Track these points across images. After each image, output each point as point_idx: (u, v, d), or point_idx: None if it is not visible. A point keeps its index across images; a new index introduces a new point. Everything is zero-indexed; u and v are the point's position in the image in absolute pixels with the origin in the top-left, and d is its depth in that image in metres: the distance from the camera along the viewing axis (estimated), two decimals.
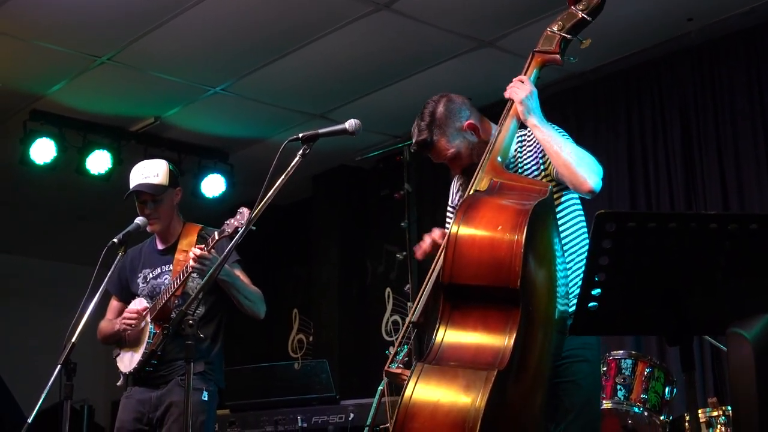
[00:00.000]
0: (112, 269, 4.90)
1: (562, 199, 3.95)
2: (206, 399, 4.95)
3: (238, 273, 5.01)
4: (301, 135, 3.85)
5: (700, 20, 7.10)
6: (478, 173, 3.80)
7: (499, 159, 3.82)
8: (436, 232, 4.03)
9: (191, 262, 4.71)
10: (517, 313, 3.30)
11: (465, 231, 3.45)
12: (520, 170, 3.98)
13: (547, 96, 7.13)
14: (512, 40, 7.13)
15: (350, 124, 3.89)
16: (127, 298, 5.22)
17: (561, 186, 3.93)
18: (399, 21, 7.05)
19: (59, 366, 4.27)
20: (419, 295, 3.82)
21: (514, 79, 3.99)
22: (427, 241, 4.04)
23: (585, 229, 3.98)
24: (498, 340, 3.30)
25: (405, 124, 8.92)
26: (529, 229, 3.36)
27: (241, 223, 4.49)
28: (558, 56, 4.02)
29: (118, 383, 5.17)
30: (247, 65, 7.75)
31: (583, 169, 3.80)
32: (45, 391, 4.24)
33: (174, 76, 7.90)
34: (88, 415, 9.62)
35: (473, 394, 3.15)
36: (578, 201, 4.02)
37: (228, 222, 4.59)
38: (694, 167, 7.28)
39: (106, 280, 4.78)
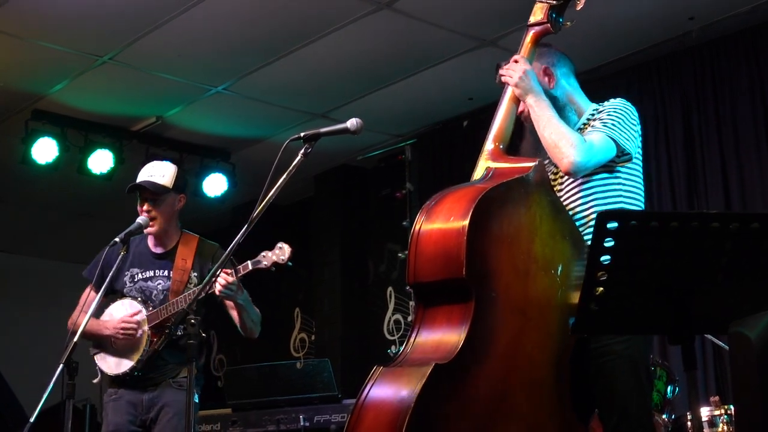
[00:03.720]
0: (96, 259, 4.89)
1: (594, 175, 3.82)
2: (197, 401, 4.98)
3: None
4: (302, 134, 3.84)
5: (701, 19, 7.10)
6: (478, 162, 3.78)
7: (501, 146, 3.77)
8: None
9: (217, 286, 4.70)
10: (471, 303, 3.29)
11: (425, 228, 3.44)
12: None
13: None
14: (514, 39, 7.09)
15: (352, 123, 3.88)
16: (106, 291, 5.15)
17: (615, 161, 3.83)
18: (400, 20, 7.05)
19: (61, 365, 4.27)
20: None
21: (510, 61, 3.92)
22: None
23: (624, 206, 3.81)
24: (455, 335, 3.28)
25: (406, 124, 9.04)
26: (482, 214, 3.32)
27: (282, 259, 4.56)
28: (548, 25, 3.96)
29: (95, 381, 5.16)
30: (249, 65, 7.75)
31: (559, 149, 3.68)
32: (47, 391, 4.24)
33: (175, 75, 7.90)
34: (90, 414, 9.60)
35: (409, 389, 3.15)
36: (619, 175, 3.87)
37: (265, 254, 4.66)
38: (696, 166, 7.27)
39: (88, 268, 4.76)
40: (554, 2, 3.96)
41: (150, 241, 5.24)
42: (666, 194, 7.37)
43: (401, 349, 3.43)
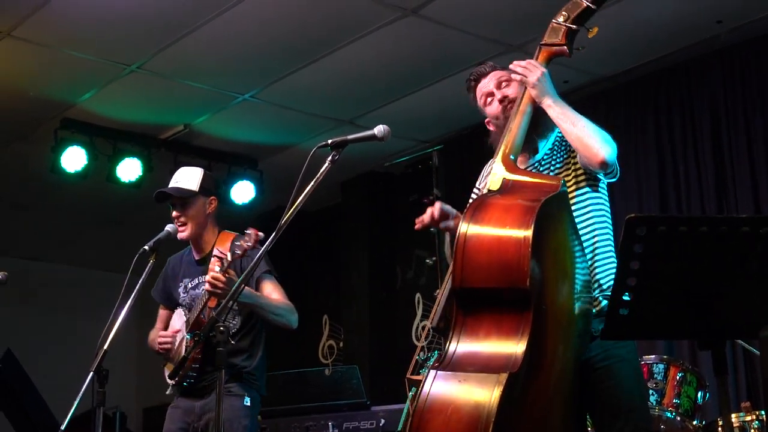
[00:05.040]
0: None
1: (585, 192, 3.88)
2: (248, 404, 4.99)
3: (267, 284, 5.02)
4: (330, 141, 3.85)
5: (729, 22, 7.06)
6: (487, 172, 3.80)
7: (511, 156, 3.78)
8: (437, 206, 4.01)
9: (206, 285, 4.73)
10: (529, 314, 3.29)
11: (473, 234, 3.42)
12: (552, 165, 3.94)
13: (577, 99, 7.09)
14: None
15: (379, 129, 3.89)
16: (172, 306, 5.27)
17: (586, 180, 3.88)
18: (426, 26, 7.05)
19: (91, 373, 4.29)
20: (437, 300, 3.81)
21: (524, 62, 3.95)
22: (426, 214, 3.99)
23: (608, 224, 3.90)
24: (511, 343, 3.29)
25: (433, 129, 9.04)
26: (538, 227, 3.33)
27: (249, 245, 4.53)
28: (566, 48, 3.95)
29: (167, 392, 5.22)
30: (276, 72, 7.77)
31: (595, 140, 3.74)
32: (78, 399, 4.25)
33: (203, 83, 7.94)
34: (120, 421, 9.65)
35: (486, 396, 3.14)
36: (601, 192, 3.93)
37: (237, 243, 4.61)
38: (725, 170, 7.23)
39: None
40: (574, 27, 3.95)
41: (193, 249, 5.27)
42: (695, 199, 7.34)
43: (446, 350, 3.40)
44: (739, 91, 7.24)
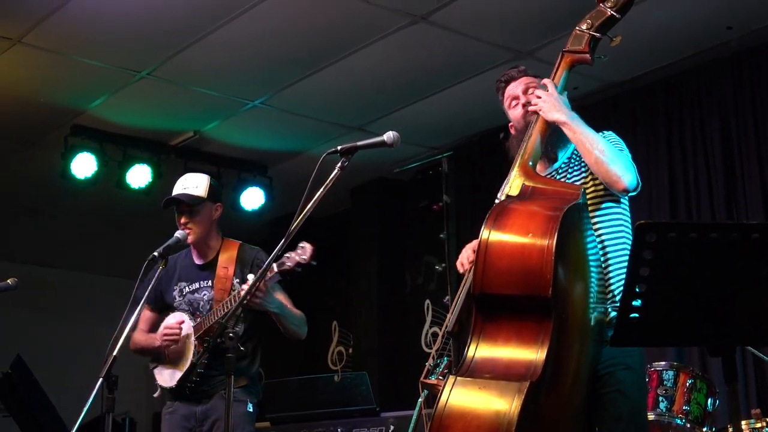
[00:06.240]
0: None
1: (604, 204, 3.89)
2: (251, 411, 5.04)
3: (278, 294, 5.04)
4: (339, 148, 3.85)
5: (740, 28, 7.05)
6: (508, 178, 3.79)
7: (530, 163, 3.79)
8: (469, 249, 4.00)
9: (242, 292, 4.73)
10: (549, 322, 3.29)
11: (495, 239, 3.42)
12: (569, 174, 3.94)
13: (587, 105, 7.10)
14: (550, 50, 7.10)
15: (388, 136, 3.88)
16: (160, 308, 5.27)
17: (605, 189, 3.87)
18: (436, 33, 7.05)
19: (101, 379, 4.29)
20: (453, 304, 3.81)
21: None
22: (470, 254, 3.97)
23: (626, 236, 3.89)
24: (531, 351, 3.29)
25: (443, 136, 9.04)
26: (560, 236, 3.33)
27: (304, 259, 4.54)
28: (588, 56, 3.96)
29: (155, 395, 5.23)
30: (286, 78, 7.78)
31: (617, 166, 3.74)
32: (87, 405, 4.26)
33: (213, 90, 7.95)
34: (130, 427, 9.65)
35: (506, 405, 3.15)
36: (622, 205, 3.94)
37: (288, 255, 4.60)
38: (735, 176, 7.22)
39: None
40: (597, 35, 3.95)
41: (193, 254, 5.28)
42: (705, 205, 7.32)
43: (464, 356, 3.39)
44: (750, 97, 7.22)
